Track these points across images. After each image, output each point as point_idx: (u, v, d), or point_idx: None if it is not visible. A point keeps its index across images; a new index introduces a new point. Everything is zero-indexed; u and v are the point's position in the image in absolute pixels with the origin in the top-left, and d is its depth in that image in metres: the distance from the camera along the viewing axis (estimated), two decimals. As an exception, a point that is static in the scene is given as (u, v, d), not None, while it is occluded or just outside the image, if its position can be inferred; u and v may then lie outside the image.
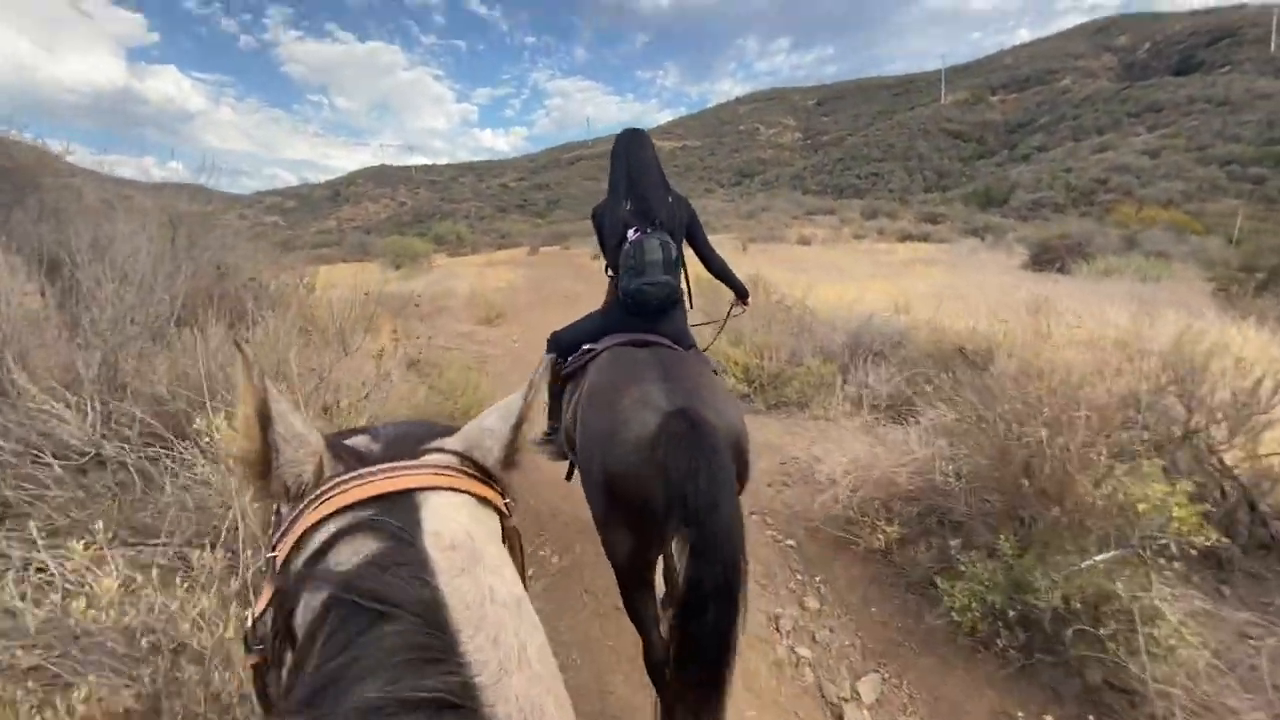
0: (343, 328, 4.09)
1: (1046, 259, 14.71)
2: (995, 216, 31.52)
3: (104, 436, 2.14)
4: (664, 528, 1.46)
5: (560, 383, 2.32)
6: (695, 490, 1.38)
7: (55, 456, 1.98)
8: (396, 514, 0.48)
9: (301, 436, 0.55)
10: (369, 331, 4.87)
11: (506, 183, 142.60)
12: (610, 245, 2.30)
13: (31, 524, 1.42)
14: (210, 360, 2.22)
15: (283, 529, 0.51)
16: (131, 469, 2.04)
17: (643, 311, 2.16)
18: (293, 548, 0.49)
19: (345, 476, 0.52)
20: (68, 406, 2.12)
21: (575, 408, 1.97)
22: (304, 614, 0.45)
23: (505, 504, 0.57)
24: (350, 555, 0.46)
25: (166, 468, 1.98)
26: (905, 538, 2.73)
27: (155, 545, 1.71)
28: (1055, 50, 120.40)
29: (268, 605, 0.51)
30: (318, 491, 0.51)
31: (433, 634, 0.41)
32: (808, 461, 3.68)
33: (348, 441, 0.59)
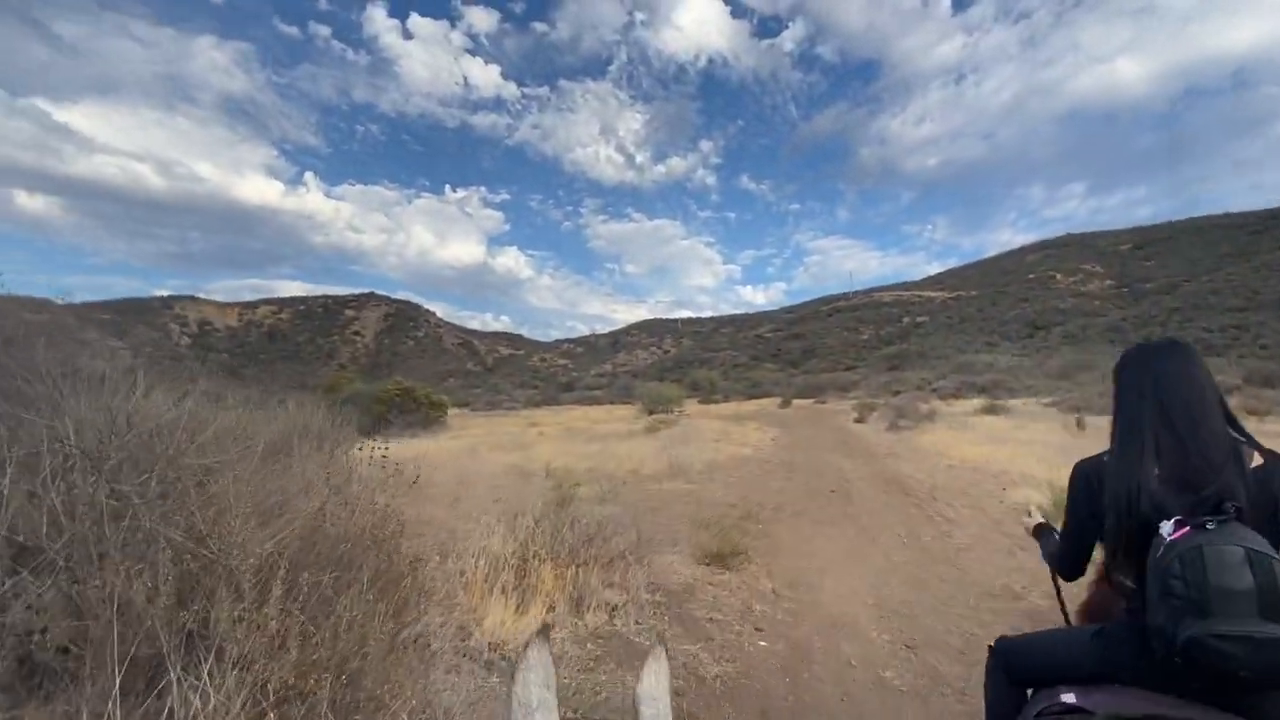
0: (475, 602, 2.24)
1: None
2: None
3: None
4: None
5: None
6: None
7: None
8: None
9: (530, 711, 0.55)
10: (519, 599, 2.99)
11: (763, 333, 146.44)
12: (1116, 533, 1.30)
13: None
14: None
15: None
16: None
17: (1208, 686, 1.15)
18: None
19: None
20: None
21: None
22: None
23: None
24: None
25: None
26: None
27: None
28: None
29: None
30: None
31: None
32: None
33: None
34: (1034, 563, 4.82)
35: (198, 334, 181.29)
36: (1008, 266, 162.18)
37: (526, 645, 0.60)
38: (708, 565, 4.30)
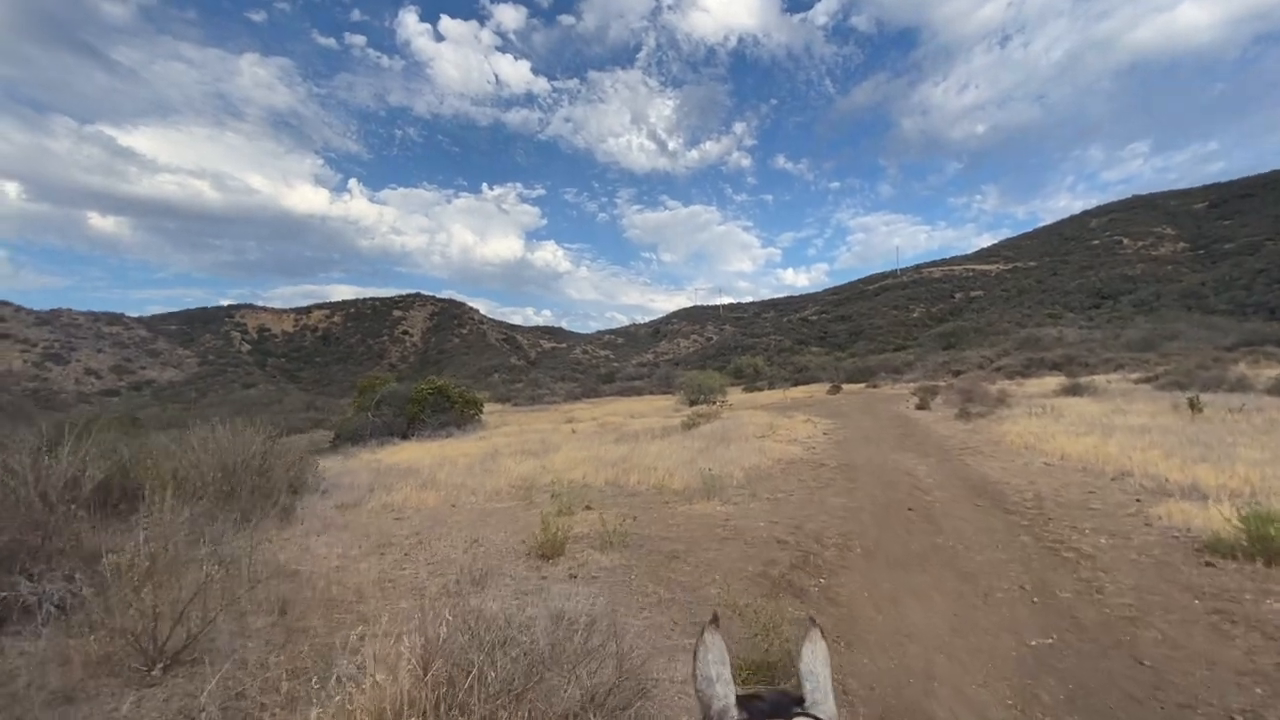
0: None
1: None
2: None
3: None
4: None
5: None
6: None
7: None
8: None
9: (711, 681, 0.78)
10: None
11: (807, 316, 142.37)
12: None
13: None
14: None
15: None
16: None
17: None
18: None
19: None
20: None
21: None
22: None
23: None
24: None
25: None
26: None
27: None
28: None
29: None
30: None
31: None
32: None
33: (749, 702, 0.79)
34: (1273, 655, 3.04)
35: (257, 340, 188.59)
36: (1068, 234, 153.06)
37: (703, 630, 0.80)
38: (742, 683, 2.74)
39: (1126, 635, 3.35)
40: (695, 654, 0.78)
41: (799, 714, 0.74)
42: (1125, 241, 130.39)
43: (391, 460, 14.92)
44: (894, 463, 9.72)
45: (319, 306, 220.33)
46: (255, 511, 4.87)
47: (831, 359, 65.38)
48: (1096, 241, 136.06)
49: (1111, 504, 6.40)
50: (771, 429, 15.40)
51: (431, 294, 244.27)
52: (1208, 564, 4.39)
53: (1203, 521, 5.23)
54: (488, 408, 45.12)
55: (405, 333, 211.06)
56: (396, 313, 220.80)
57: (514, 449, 15.06)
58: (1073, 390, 19.76)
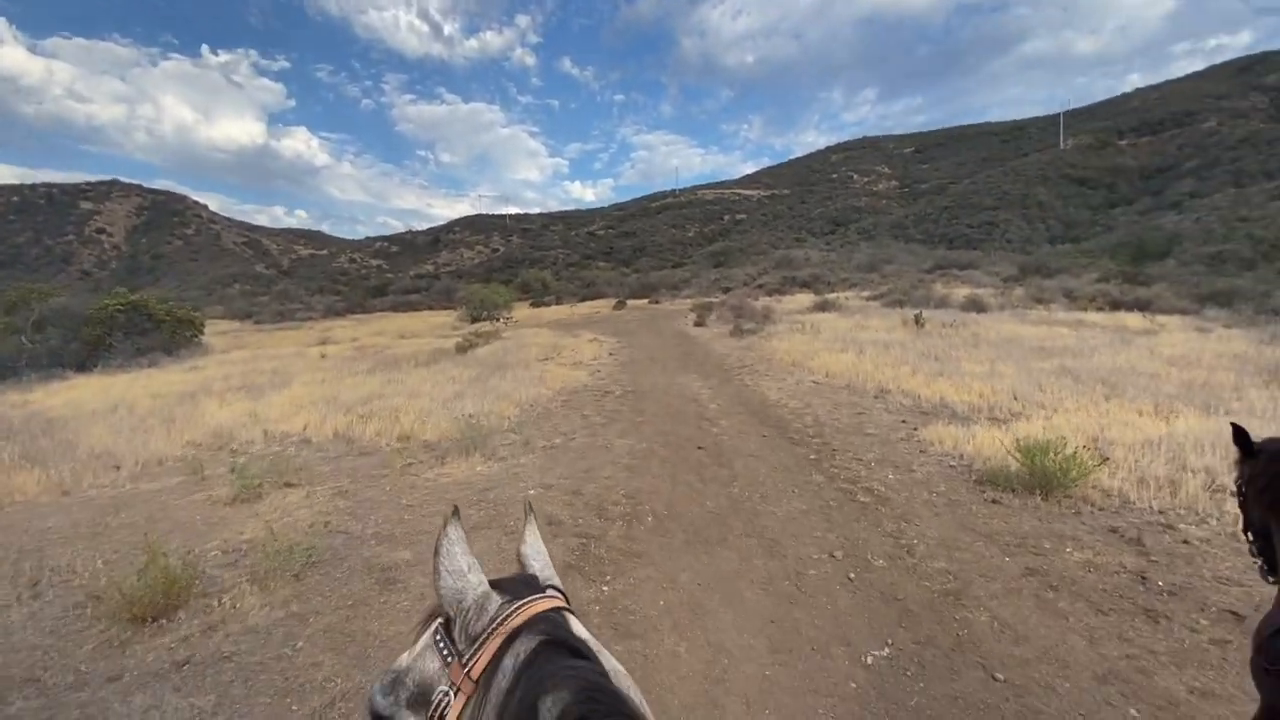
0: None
1: None
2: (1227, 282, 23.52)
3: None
4: None
5: None
6: None
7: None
8: (556, 623, 0.67)
9: (463, 573, 0.71)
10: None
11: (594, 231, 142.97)
12: None
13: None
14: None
15: (477, 646, 0.66)
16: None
17: None
18: (491, 658, 0.64)
19: (521, 603, 0.69)
20: None
21: None
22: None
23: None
24: (542, 651, 0.63)
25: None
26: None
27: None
28: (1191, 91, 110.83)
29: (465, 705, 0.64)
30: (507, 613, 0.67)
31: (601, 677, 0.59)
32: None
33: (499, 582, 0.76)
34: (1114, 641, 2.62)
35: None
36: (814, 167, 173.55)
37: (445, 523, 0.74)
38: None
39: (962, 627, 2.75)
40: (439, 550, 0.73)
41: (549, 586, 0.76)
42: (855, 177, 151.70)
43: (42, 406, 10.74)
44: (679, 387, 9.16)
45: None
46: None
47: (617, 274, 66.34)
48: (835, 176, 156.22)
49: (884, 428, 6.39)
50: (556, 350, 14.22)
51: (138, 183, 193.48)
52: (993, 501, 4.22)
53: (972, 448, 5.24)
54: (223, 326, 36.90)
55: (101, 231, 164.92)
56: (86, 204, 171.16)
57: (231, 383, 11.80)
58: (823, 306, 21.90)
